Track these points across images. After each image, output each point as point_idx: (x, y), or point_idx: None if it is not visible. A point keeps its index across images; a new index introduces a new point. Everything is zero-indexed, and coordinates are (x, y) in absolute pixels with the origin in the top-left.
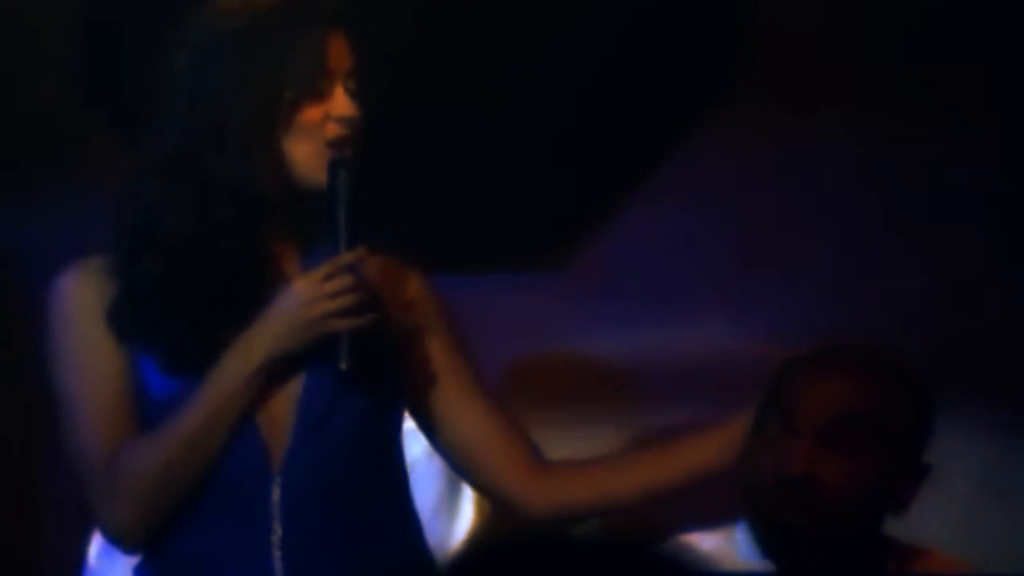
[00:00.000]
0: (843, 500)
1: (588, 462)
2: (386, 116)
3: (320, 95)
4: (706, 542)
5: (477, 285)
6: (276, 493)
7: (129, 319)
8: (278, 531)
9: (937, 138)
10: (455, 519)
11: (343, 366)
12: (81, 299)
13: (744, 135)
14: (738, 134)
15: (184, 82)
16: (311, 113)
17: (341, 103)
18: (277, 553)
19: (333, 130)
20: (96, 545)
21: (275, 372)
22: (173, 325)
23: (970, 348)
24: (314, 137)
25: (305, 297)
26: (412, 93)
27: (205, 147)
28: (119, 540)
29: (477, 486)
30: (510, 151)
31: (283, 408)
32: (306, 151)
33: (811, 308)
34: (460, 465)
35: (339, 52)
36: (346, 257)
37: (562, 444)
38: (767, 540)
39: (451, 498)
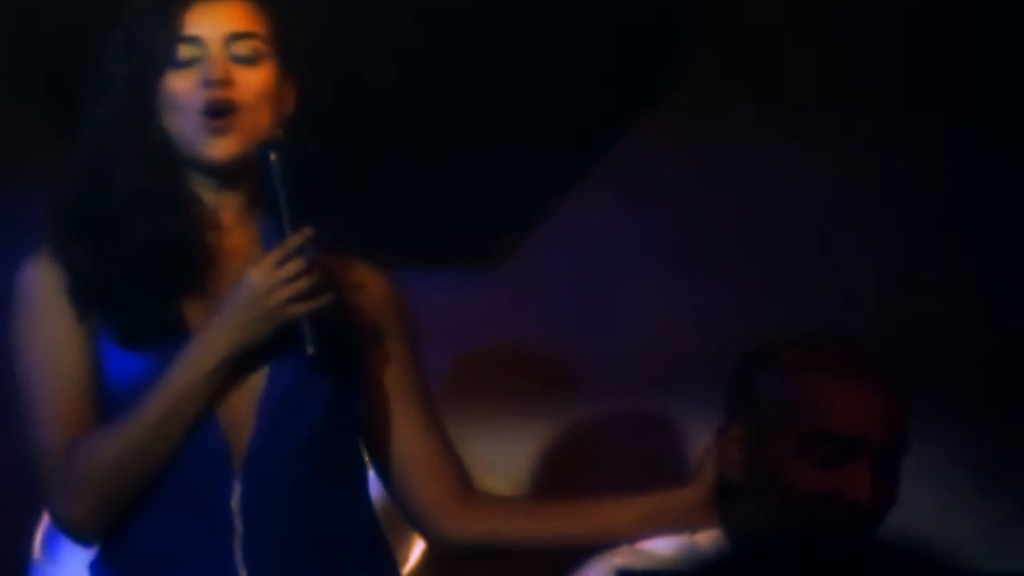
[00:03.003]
0: (885, 516)
1: (516, 501)
2: (325, 112)
3: (181, 64)
4: (663, 546)
5: (414, 281)
6: (237, 490)
7: (80, 298)
8: (239, 528)
9: (880, 137)
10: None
11: (309, 350)
12: (44, 288)
13: (681, 131)
14: (675, 130)
15: (96, 81)
16: (176, 83)
17: (207, 67)
18: (238, 550)
19: (201, 95)
20: (41, 538)
21: (237, 366)
22: (112, 299)
23: (903, 345)
24: (185, 107)
25: (260, 287)
26: (353, 88)
27: (96, 135)
28: (75, 531)
29: (398, 500)
30: (447, 147)
31: (245, 405)
32: (179, 122)
33: (752, 304)
34: (386, 475)
35: (214, 19)
36: (294, 240)
37: (499, 440)
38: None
39: None
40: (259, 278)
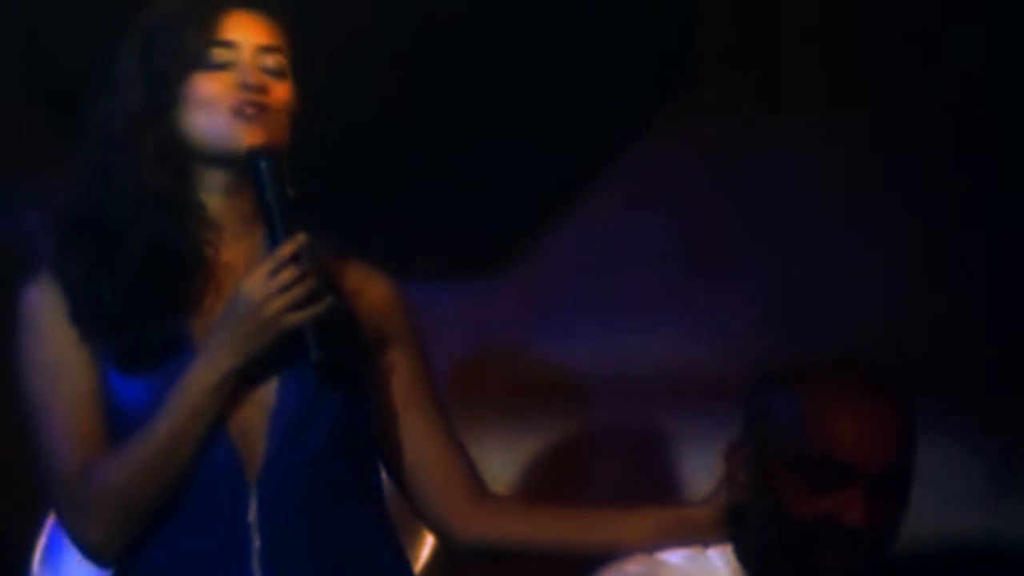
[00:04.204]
0: (889, 541)
1: (531, 505)
2: (331, 120)
3: (213, 66)
4: (676, 558)
5: (417, 293)
6: (254, 504)
7: (81, 319)
8: (257, 542)
9: (888, 142)
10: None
11: (314, 357)
12: (46, 310)
13: (691, 139)
14: (685, 138)
15: (105, 83)
16: (208, 84)
17: (243, 72)
18: (256, 564)
19: (236, 97)
20: (41, 551)
21: (246, 380)
22: (112, 318)
23: (910, 348)
24: (217, 106)
25: (255, 298)
26: (354, 98)
27: (104, 133)
28: (95, 554)
29: (412, 503)
30: (450, 156)
31: (256, 419)
32: (208, 120)
33: (759, 312)
34: (401, 480)
35: (248, 29)
36: (286, 248)
37: (501, 450)
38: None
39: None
40: (252, 289)
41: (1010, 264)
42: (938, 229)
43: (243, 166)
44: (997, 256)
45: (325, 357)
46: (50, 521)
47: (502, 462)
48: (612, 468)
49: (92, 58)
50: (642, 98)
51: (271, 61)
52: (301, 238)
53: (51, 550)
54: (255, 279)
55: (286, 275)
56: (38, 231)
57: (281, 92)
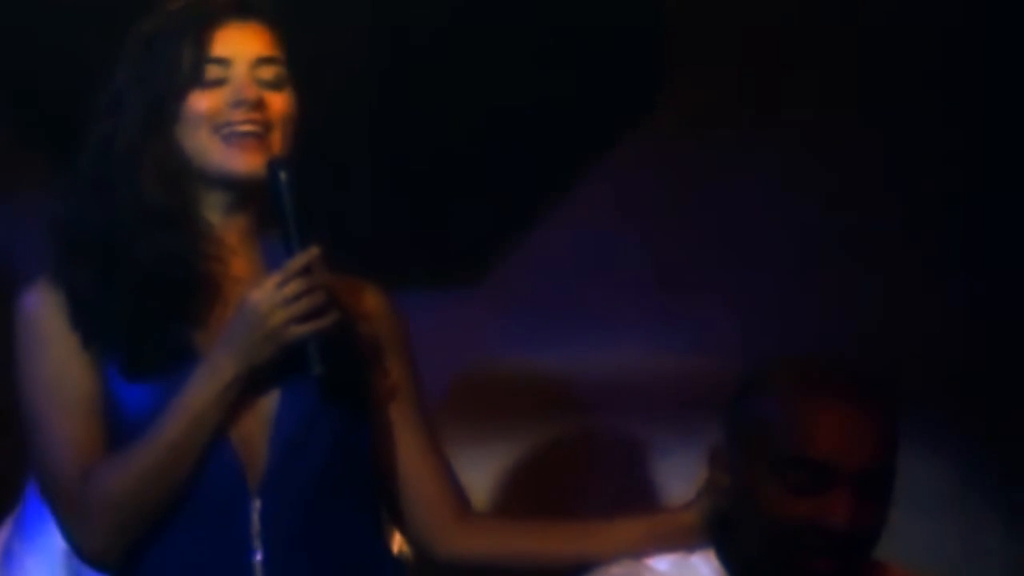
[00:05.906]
0: (872, 543)
1: (514, 520)
2: (307, 128)
3: (207, 83)
4: (661, 564)
5: (399, 301)
6: (256, 515)
7: (84, 327)
8: (259, 553)
9: (859, 151)
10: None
11: (316, 371)
12: (46, 316)
13: (663, 151)
14: (657, 150)
15: (105, 98)
16: (201, 102)
17: (236, 87)
18: (259, 574)
19: (227, 115)
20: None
21: (248, 390)
22: (118, 329)
23: (888, 358)
24: (209, 125)
25: (262, 308)
26: (335, 105)
27: (105, 150)
28: (95, 560)
29: (395, 515)
30: (432, 165)
31: (258, 429)
32: (201, 139)
33: (730, 322)
34: (385, 491)
35: (242, 42)
36: (299, 261)
37: (481, 459)
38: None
39: None
40: (260, 299)
41: (998, 270)
42: (928, 232)
43: (238, 186)
44: (985, 261)
45: (327, 372)
46: (11, 520)
47: (478, 470)
48: (589, 476)
49: (86, 75)
50: (617, 106)
51: (268, 73)
52: (315, 250)
53: (9, 556)
54: (263, 289)
55: (294, 286)
56: (38, 246)
57: (280, 104)
